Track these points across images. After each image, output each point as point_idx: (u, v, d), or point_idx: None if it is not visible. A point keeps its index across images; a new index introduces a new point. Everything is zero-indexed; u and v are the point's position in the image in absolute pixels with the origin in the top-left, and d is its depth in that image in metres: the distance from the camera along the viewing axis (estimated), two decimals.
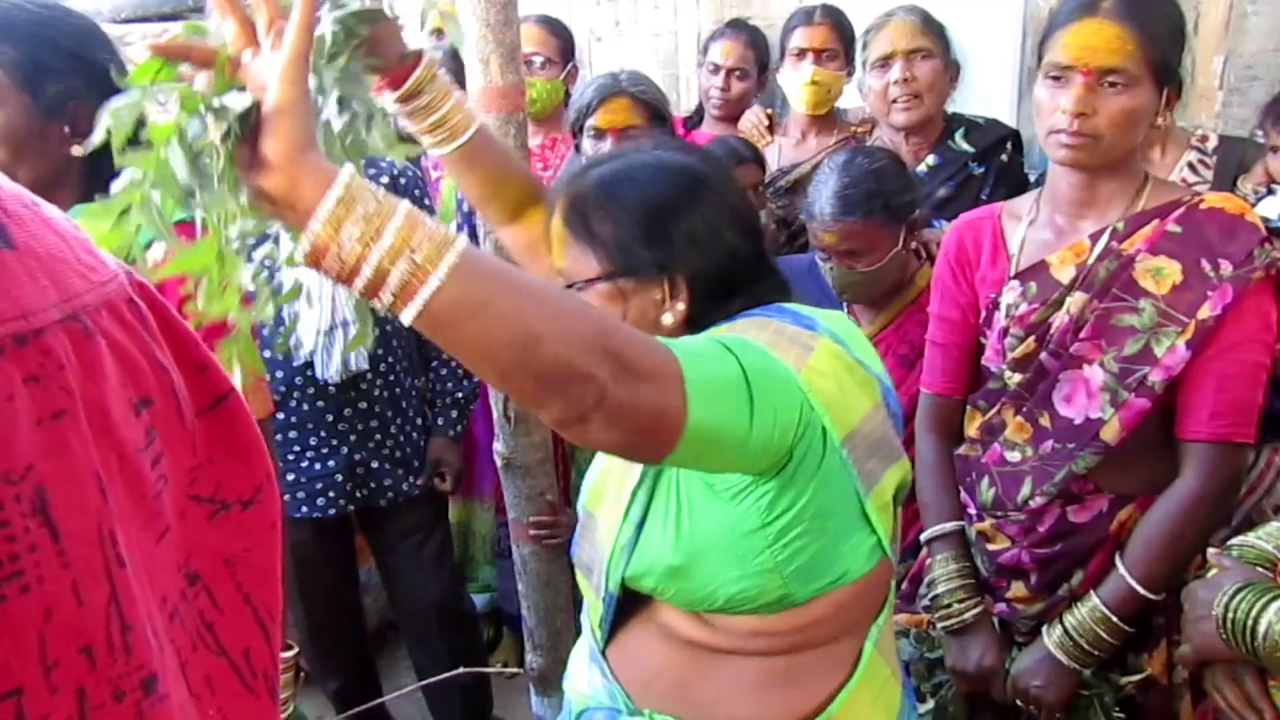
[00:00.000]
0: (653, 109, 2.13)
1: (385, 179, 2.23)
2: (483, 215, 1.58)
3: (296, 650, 1.48)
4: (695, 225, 1.08)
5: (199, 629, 0.45)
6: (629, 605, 1.16)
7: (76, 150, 1.31)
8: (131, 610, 0.38)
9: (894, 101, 2.20)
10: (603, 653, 1.19)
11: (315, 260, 0.73)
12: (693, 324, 1.09)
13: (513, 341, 0.76)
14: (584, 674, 1.24)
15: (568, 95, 2.62)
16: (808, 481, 1.00)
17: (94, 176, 1.37)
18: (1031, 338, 1.53)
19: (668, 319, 1.09)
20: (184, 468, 0.44)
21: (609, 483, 1.17)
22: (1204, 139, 2.22)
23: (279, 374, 2.07)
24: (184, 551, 0.44)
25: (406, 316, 0.73)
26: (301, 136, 0.75)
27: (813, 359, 1.01)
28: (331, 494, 2.21)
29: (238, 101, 0.76)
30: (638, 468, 1.11)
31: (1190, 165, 2.18)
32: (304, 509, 2.19)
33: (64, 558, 0.35)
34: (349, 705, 2.33)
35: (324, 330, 2.12)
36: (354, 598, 2.59)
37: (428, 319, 0.73)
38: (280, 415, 2.11)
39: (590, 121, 2.12)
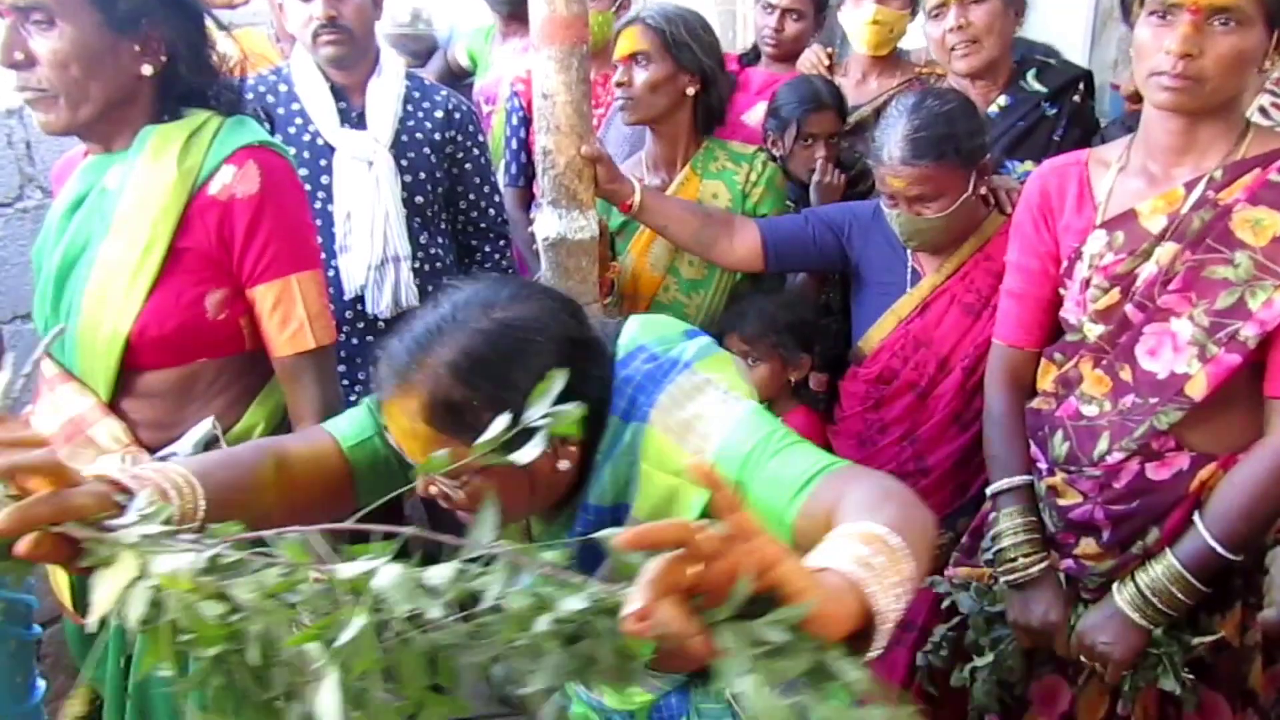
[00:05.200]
0: (661, 35, 2.06)
1: (440, 113, 2.18)
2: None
3: None
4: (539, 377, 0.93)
5: None
6: None
7: (146, 69, 1.29)
8: None
9: (952, 49, 2.11)
10: None
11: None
12: (585, 453, 1.11)
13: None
14: None
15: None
16: None
17: (164, 96, 1.34)
18: (1116, 289, 1.48)
19: (563, 465, 1.08)
20: None
21: None
22: None
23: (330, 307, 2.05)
24: None
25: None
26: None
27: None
28: None
29: None
30: None
31: (1261, 109, 2.08)
32: None
33: None
34: None
35: (374, 265, 2.10)
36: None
37: None
38: None
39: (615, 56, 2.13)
